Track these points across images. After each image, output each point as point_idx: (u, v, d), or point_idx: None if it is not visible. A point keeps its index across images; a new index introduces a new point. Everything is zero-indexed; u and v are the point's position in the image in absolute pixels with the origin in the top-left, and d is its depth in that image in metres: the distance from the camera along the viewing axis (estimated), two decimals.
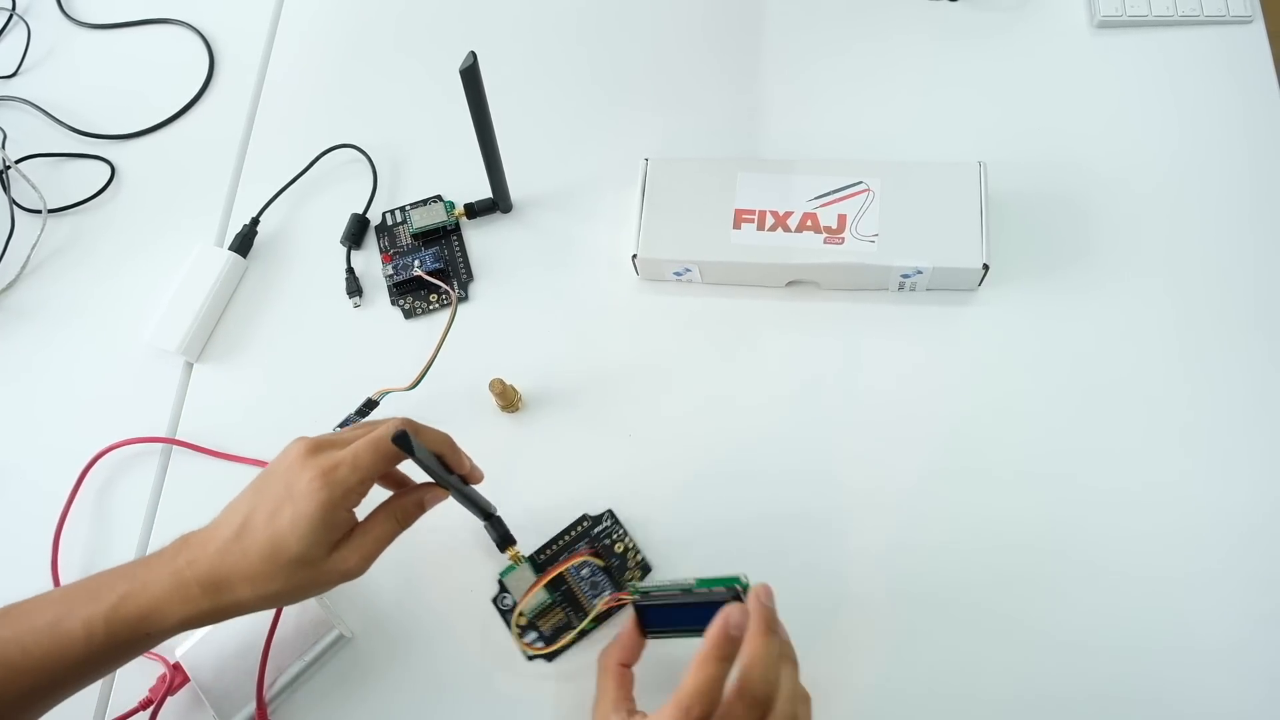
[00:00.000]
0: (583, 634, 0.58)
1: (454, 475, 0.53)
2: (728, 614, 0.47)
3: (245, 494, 0.50)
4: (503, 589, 0.60)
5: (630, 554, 0.60)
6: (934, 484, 0.61)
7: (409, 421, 0.50)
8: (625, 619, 0.53)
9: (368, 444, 0.49)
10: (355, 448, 0.49)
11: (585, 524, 0.61)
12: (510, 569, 0.60)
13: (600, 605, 0.58)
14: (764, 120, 0.73)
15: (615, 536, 0.60)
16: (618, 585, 0.59)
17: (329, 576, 0.49)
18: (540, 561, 0.61)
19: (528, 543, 0.61)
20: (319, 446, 0.50)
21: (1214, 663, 0.55)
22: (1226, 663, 0.55)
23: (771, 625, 0.47)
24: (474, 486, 0.56)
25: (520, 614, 0.59)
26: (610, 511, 0.61)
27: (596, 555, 0.60)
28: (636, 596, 0.52)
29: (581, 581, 0.59)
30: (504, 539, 0.59)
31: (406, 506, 0.53)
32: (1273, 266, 0.64)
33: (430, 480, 0.54)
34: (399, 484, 0.55)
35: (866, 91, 0.73)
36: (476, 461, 0.57)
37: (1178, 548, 0.58)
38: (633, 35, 0.78)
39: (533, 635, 0.59)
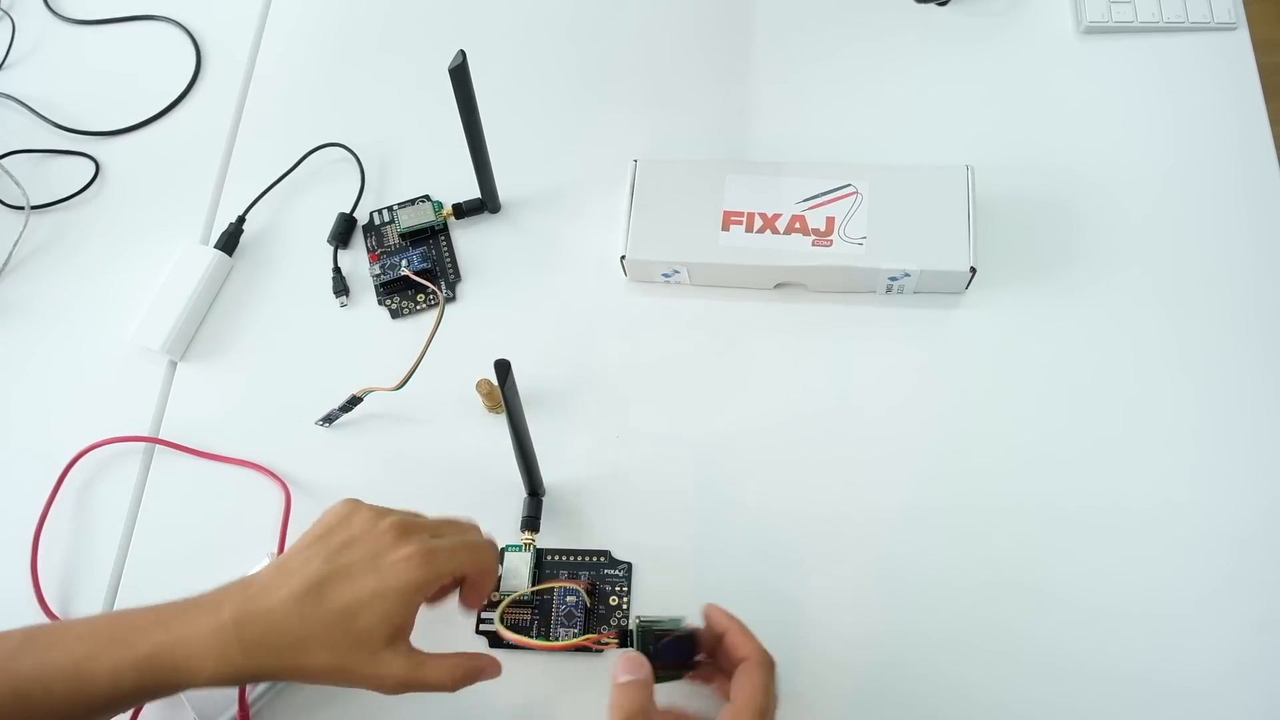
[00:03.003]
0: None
1: (527, 440, 0.55)
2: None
3: (313, 554, 0.47)
4: (499, 561, 0.60)
5: (617, 613, 0.59)
6: (921, 485, 0.61)
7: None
8: (631, 663, 0.48)
9: (470, 547, 0.49)
10: (455, 544, 0.48)
11: (601, 560, 0.61)
12: (516, 548, 0.60)
13: (573, 642, 0.56)
14: (753, 122, 0.73)
15: (619, 590, 0.60)
16: (590, 629, 0.59)
17: (369, 671, 0.46)
18: (546, 559, 0.61)
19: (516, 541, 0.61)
20: (411, 526, 0.48)
21: (1207, 667, 0.55)
22: (1221, 668, 0.55)
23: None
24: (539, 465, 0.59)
25: (496, 591, 0.59)
26: (630, 565, 0.60)
27: (590, 592, 0.59)
28: (649, 635, 0.50)
29: (562, 605, 0.59)
30: (531, 520, 0.60)
31: (469, 669, 0.49)
32: (1258, 269, 0.65)
33: (492, 657, 0.51)
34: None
35: (855, 95, 0.74)
36: (459, 459, 0.60)
37: (1167, 548, 0.58)
38: (622, 36, 0.78)
39: (492, 613, 0.58)
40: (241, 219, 0.73)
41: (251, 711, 0.57)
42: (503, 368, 0.49)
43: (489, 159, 0.67)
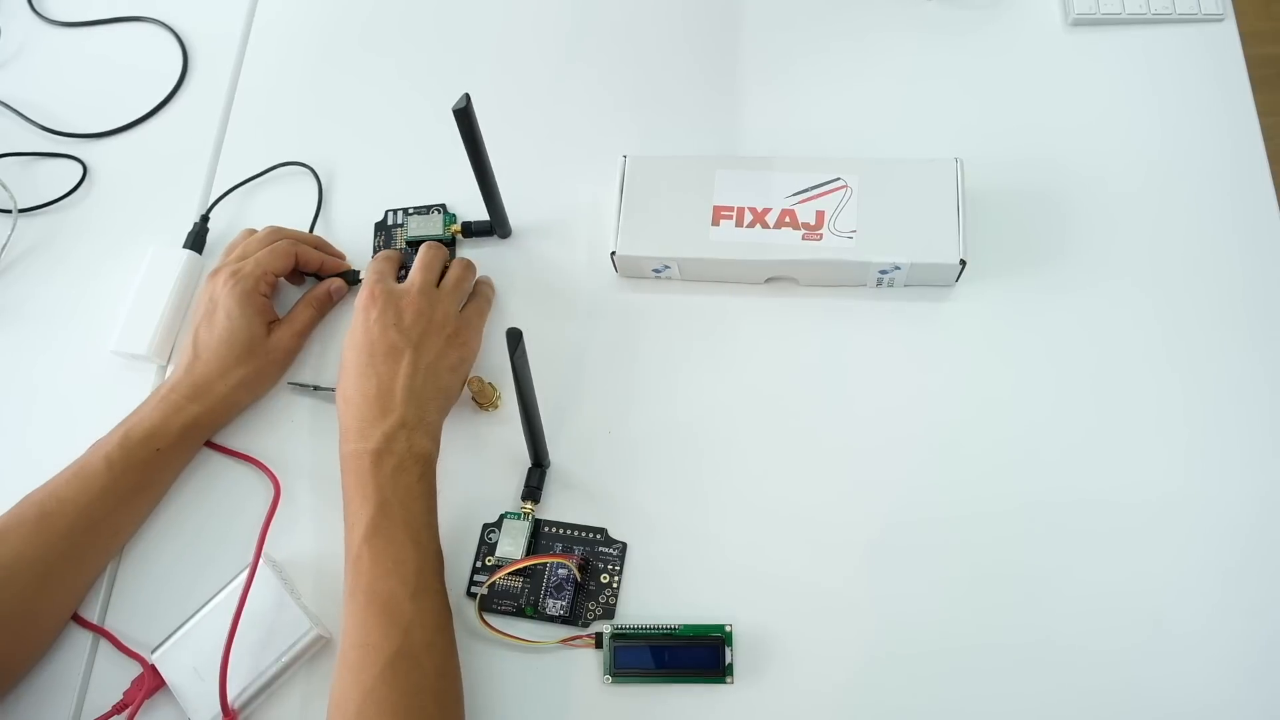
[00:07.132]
0: (523, 612, 0.60)
1: (534, 409, 0.57)
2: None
3: (188, 328, 0.66)
4: (497, 527, 0.61)
5: (608, 592, 0.59)
6: (913, 477, 0.61)
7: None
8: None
9: (270, 251, 0.65)
10: (257, 257, 0.64)
11: (597, 537, 0.61)
12: (516, 515, 0.61)
13: (550, 641, 0.58)
14: (742, 118, 0.73)
15: (611, 569, 0.60)
16: (579, 607, 0.59)
17: (275, 354, 0.65)
18: (544, 530, 0.61)
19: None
20: (220, 265, 0.65)
21: (1195, 652, 0.56)
22: (1210, 653, 0.56)
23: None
24: (545, 438, 0.61)
25: (490, 556, 0.61)
26: (625, 546, 0.60)
27: (582, 568, 0.59)
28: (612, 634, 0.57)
29: (553, 577, 0.59)
30: (533, 490, 0.62)
31: (319, 295, 0.68)
32: (1246, 260, 0.65)
33: (338, 274, 0.69)
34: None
35: (844, 89, 0.74)
36: (455, 460, 0.60)
37: (1161, 539, 0.58)
38: (611, 33, 0.78)
39: (482, 578, 0.60)
40: (205, 217, 0.72)
41: (245, 715, 0.57)
42: (514, 336, 0.50)
43: (498, 189, 0.66)
